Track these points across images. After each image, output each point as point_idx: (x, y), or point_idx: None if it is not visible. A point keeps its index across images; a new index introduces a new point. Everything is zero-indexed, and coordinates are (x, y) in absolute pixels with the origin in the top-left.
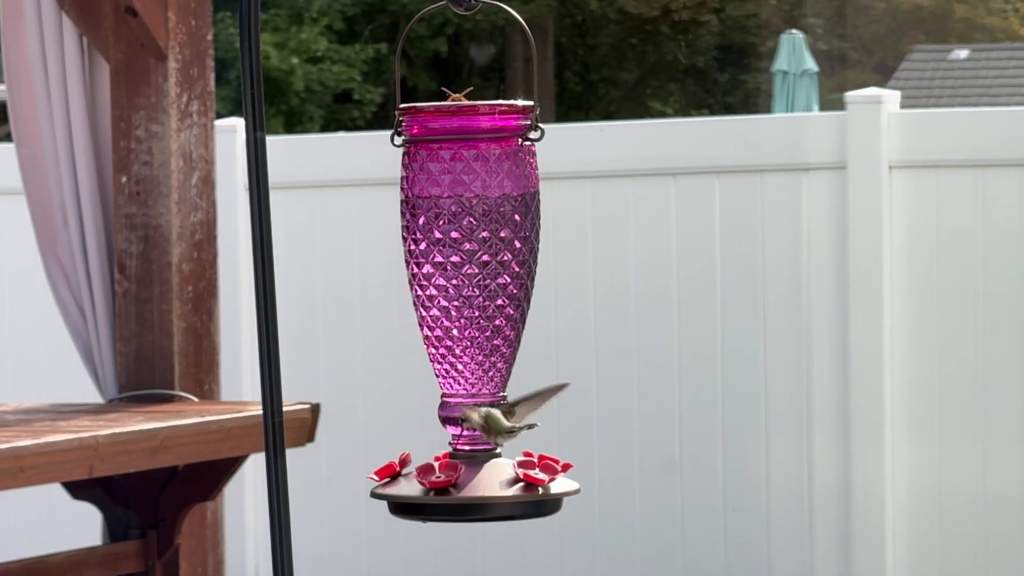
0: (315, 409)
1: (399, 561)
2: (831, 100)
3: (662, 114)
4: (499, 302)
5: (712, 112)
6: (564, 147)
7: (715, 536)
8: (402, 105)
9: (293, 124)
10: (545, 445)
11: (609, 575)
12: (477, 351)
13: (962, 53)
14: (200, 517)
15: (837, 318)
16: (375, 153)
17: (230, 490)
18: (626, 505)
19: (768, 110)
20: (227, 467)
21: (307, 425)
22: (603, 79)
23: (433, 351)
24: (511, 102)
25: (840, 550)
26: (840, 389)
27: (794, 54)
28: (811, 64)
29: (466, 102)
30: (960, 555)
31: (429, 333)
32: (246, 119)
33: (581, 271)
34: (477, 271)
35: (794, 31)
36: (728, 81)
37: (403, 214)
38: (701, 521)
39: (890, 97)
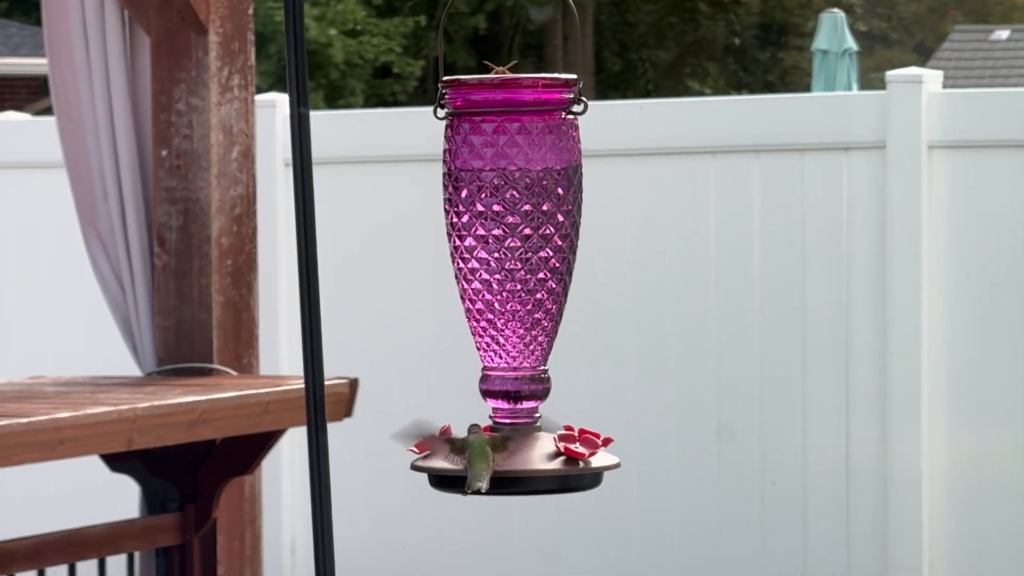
0: (353, 384)
1: (435, 536)
2: (869, 80)
3: (700, 94)
4: (541, 275)
5: (751, 91)
6: (603, 125)
7: (751, 518)
8: (446, 78)
9: (334, 99)
10: (582, 420)
11: (646, 548)
12: (519, 324)
13: (1003, 34)
14: (238, 491)
15: (876, 299)
16: (414, 128)
17: (267, 464)
18: (663, 482)
19: (806, 89)
20: (265, 441)
21: (345, 400)
22: (641, 58)
23: (475, 324)
24: (554, 75)
25: (877, 532)
26: (878, 371)
27: (835, 33)
28: (852, 43)
29: (510, 75)
30: (997, 539)
31: (471, 306)
32: (290, 93)
33: (619, 249)
34: (519, 244)
35: (835, 10)
36: (766, 60)
37: (445, 187)
38: (737, 502)
39: (931, 77)
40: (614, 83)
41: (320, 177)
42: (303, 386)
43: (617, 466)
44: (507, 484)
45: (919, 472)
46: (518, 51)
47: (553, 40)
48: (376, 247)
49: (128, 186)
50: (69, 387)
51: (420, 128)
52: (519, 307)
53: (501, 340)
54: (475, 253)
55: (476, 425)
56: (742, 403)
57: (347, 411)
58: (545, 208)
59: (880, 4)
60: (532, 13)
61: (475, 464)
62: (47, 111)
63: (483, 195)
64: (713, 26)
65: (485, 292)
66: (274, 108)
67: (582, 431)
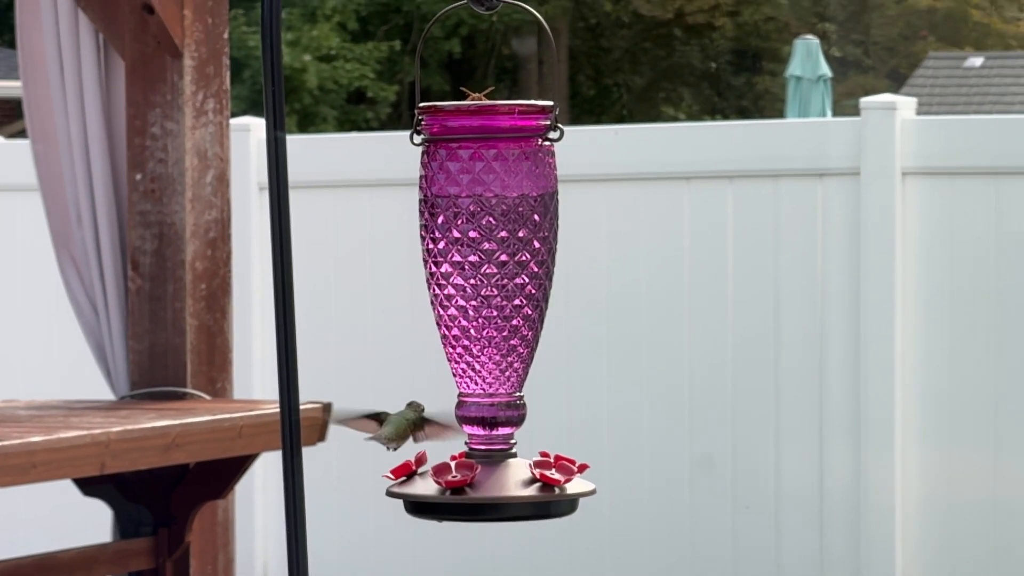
0: (327, 408)
1: (409, 562)
2: (843, 106)
3: (674, 119)
4: (517, 302)
5: (725, 117)
6: (578, 150)
7: (724, 542)
8: (422, 104)
9: (306, 125)
10: (555, 446)
11: (619, 573)
12: (495, 351)
13: (977, 61)
14: (211, 515)
15: (849, 324)
16: (389, 153)
17: (239, 489)
18: (636, 506)
19: (780, 115)
20: (238, 465)
21: (319, 424)
22: (616, 83)
23: (450, 350)
24: (531, 102)
25: (850, 556)
26: (852, 395)
27: (809, 59)
28: (826, 69)
29: (486, 101)
30: (970, 561)
31: (447, 332)
32: (266, 117)
33: (594, 275)
34: (495, 271)
35: (809, 36)
36: (740, 85)
37: (422, 213)
38: (711, 526)
39: (905, 103)
40: (588, 108)
41: (295, 201)
42: (276, 410)
43: (593, 492)
44: (482, 510)
45: (892, 495)
46: (493, 75)
47: (528, 65)
48: (350, 271)
49: (102, 210)
50: (42, 411)
51: (396, 153)
52: (495, 333)
53: (477, 366)
54: (451, 279)
55: (415, 403)
56: (716, 427)
57: (321, 435)
58: (521, 235)
59: (854, 30)
60: (515, 45)
61: (387, 426)
62: (21, 134)
63: (459, 221)
64: (688, 51)
65: (461, 318)
66: (248, 132)
67: (558, 457)
